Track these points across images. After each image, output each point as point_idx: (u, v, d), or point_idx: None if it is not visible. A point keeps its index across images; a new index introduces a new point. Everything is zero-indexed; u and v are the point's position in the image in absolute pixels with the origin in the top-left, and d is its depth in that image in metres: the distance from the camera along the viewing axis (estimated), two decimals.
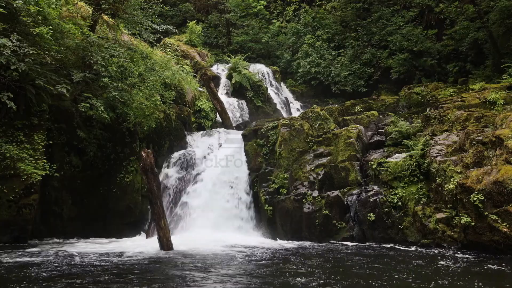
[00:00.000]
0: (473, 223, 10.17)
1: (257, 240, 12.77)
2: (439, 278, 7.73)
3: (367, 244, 11.96)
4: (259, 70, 24.55)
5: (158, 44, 21.47)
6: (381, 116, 16.10)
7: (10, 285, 7.10)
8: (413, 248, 11.08)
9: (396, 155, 12.90)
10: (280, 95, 23.86)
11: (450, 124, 13.18)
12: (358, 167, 13.16)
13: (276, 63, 27.32)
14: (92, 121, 13.50)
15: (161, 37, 21.15)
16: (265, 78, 24.22)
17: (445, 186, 11.08)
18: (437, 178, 11.56)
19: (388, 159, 12.81)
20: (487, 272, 8.23)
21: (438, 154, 11.92)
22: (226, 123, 19.32)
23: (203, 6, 32.39)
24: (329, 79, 23.83)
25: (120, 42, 15.77)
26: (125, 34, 17.57)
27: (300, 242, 12.56)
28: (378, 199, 12.16)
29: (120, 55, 14.07)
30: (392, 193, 12.14)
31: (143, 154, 11.44)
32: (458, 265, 8.90)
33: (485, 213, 9.94)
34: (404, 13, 23.71)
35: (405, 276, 7.84)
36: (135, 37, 18.36)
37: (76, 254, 10.21)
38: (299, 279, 7.62)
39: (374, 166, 12.79)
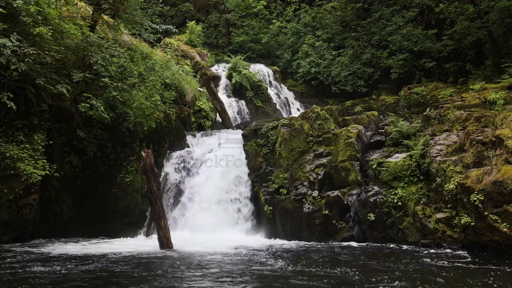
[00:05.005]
0: (473, 223, 10.17)
1: (257, 240, 12.78)
2: (439, 278, 7.73)
3: (367, 244, 11.95)
4: (259, 70, 24.55)
5: (158, 44, 21.49)
6: (381, 116, 16.11)
7: (8, 284, 7.11)
8: (413, 248, 11.07)
9: (396, 155, 12.90)
10: (280, 95, 23.87)
11: (450, 124, 13.18)
12: (358, 167, 13.15)
13: (276, 63, 27.32)
14: (92, 121, 13.50)
15: (161, 37, 21.16)
16: (265, 78, 24.23)
17: (445, 186, 11.07)
18: (437, 178, 11.56)
19: (388, 159, 12.80)
20: (487, 272, 8.22)
21: (438, 154, 11.92)
22: (226, 123, 19.32)
23: (203, 6, 32.40)
24: (329, 79, 23.82)
25: (120, 42, 15.78)
26: (125, 34, 17.57)
27: (300, 242, 12.55)
28: (378, 199, 12.16)
29: (120, 55, 14.08)
30: (392, 193, 12.14)
31: (143, 154, 11.45)
32: (458, 265, 8.90)
33: (485, 213, 9.93)
34: (404, 13, 23.71)
35: (404, 276, 7.84)
36: (135, 37, 18.37)
37: (76, 254, 10.22)
38: (300, 279, 7.62)
39: (374, 166, 12.79)
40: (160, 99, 15.00)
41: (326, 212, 12.60)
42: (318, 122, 14.80)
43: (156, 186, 11.38)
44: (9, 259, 9.32)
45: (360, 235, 12.28)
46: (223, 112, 19.57)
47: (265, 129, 15.16)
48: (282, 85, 25.20)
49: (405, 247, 11.33)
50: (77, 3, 15.24)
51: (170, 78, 16.66)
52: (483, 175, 10.25)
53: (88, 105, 12.40)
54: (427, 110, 14.78)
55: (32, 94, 11.94)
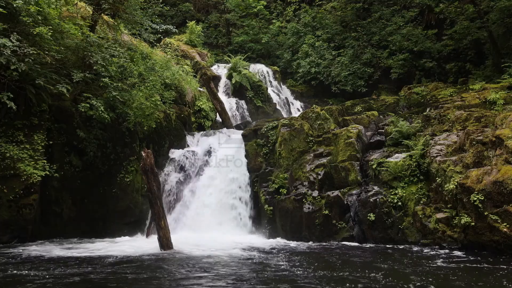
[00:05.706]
0: (473, 223, 10.17)
1: (257, 240, 12.77)
2: (439, 278, 7.72)
3: (367, 244, 11.95)
4: (259, 70, 24.56)
5: (158, 44, 21.49)
6: (381, 116, 16.11)
7: (6, 285, 7.10)
8: (413, 248, 11.06)
9: (396, 155, 12.90)
10: (280, 95, 23.87)
11: (450, 124, 13.18)
12: (358, 167, 13.15)
13: (276, 63, 27.32)
14: (92, 121, 13.49)
15: (161, 37, 21.16)
16: (265, 78, 24.23)
17: (445, 186, 11.07)
18: (437, 178, 11.56)
19: (388, 159, 12.80)
20: (487, 272, 8.22)
21: (438, 154, 11.92)
22: (226, 123, 19.32)
23: (203, 6, 32.41)
24: (329, 79, 23.81)
25: (120, 42, 15.78)
26: (125, 34, 17.57)
27: (300, 242, 12.55)
28: (378, 199, 12.15)
29: (120, 55, 14.07)
30: (392, 193, 12.14)
31: (143, 154, 11.44)
32: (458, 265, 8.89)
33: (485, 213, 9.94)
34: (404, 13, 23.71)
35: (404, 276, 7.83)
36: (135, 37, 18.37)
37: (76, 254, 10.21)
38: (300, 280, 7.62)
39: (374, 166, 12.79)
40: (160, 99, 14.99)
41: (326, 212, 12.60)
42: (318, 122, 14.80)
43: (156, 186, 11.37)
44: (4, 260, 9.29)
45: (360, 235, 12.27)
46: (223, 112, 19.57)
47: (265, 129, 15.16)
48: (282, 85, 25.20)
49: (405, 247, 11.31)
50: (77, 3, 15.23)
51: (170, 78, 16.66)
52: (483, 175, 10.25)
53: (88, 105, 12.39)
54: (427, 110, 14.78)
55: (32, 94, 11.93)
